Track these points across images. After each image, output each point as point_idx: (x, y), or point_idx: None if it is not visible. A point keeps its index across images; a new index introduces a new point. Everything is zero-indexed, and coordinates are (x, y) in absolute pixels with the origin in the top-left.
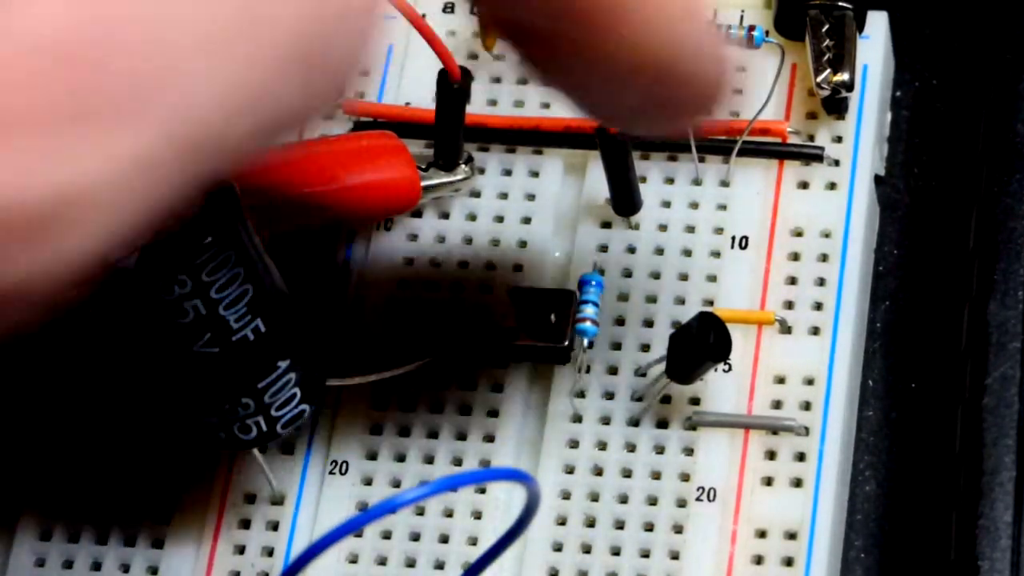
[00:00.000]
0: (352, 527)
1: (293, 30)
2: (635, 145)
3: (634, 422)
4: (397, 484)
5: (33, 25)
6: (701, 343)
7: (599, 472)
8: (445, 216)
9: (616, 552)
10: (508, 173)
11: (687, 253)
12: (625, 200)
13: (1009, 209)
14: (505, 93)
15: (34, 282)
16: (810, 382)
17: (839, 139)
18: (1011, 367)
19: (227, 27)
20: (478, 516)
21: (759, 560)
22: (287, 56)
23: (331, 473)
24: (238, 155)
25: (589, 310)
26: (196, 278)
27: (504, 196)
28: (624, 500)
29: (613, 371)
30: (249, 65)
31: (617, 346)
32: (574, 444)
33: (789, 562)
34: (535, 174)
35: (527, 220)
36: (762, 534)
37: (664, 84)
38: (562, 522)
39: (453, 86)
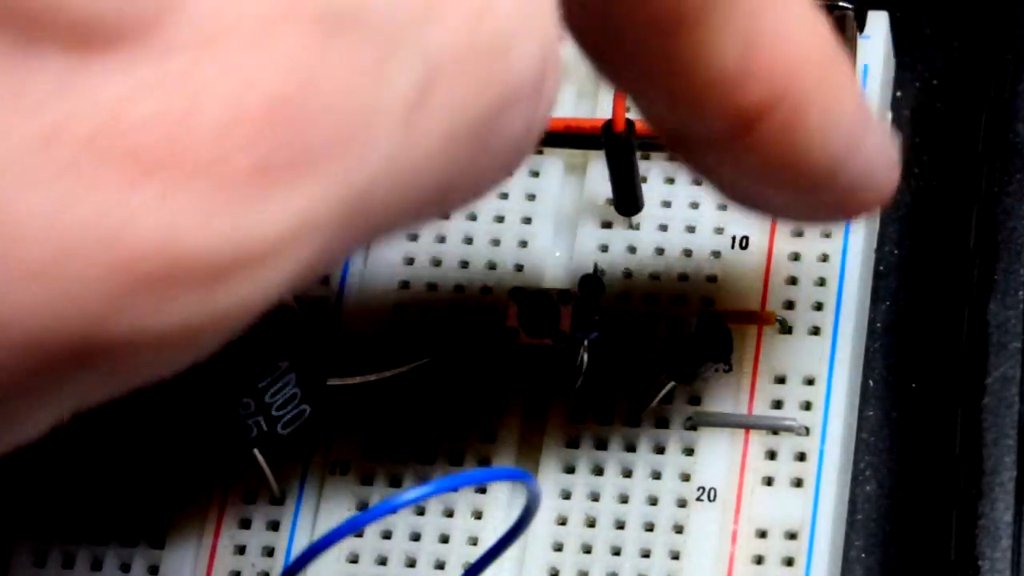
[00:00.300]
0: (352, 527)
1: (461, 107)
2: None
3: (634, 422)
4: (397, 484)
5: (228, 82)
6: (701, 343)
7: (599, 472)
8: (445, 216)
9: (616, 552)
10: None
11: (687, 253)
12: (628, 200)
13: (1009, 209)
14: None
15: (196, 329)
16: (810, 382)
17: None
18: (1011, 367)
19: (402, 94)
20: (478, 516)
21: (759, 560)
22: (458, 134)
23: (331, 473)
24: (398, 227)
25: (590, 310)
26: None
27: (504, 196)
28: (624, 500)
29: (613, 371)
30: (416, 137)
31: (617, 346)
32: (574, 444)
33: (790, 562)
34: (535, 174)
35: (527, 220)
36: (762, 534)
37: (827, 192)
38: (562, 522)
39: None
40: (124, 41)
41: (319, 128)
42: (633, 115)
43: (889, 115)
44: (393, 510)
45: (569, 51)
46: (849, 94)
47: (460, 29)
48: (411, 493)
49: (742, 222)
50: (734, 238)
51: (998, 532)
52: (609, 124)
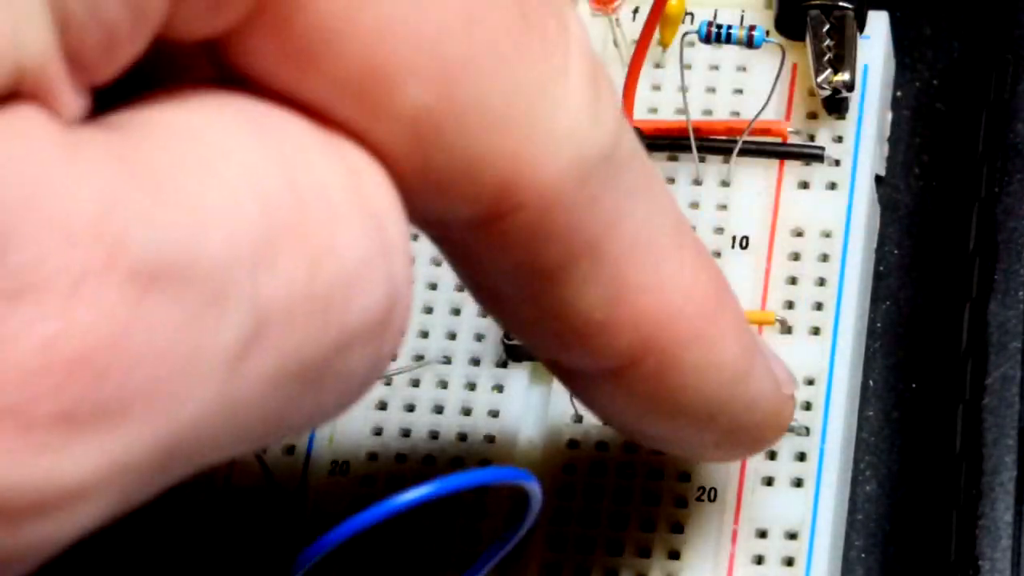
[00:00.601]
0: (353, 528)
1: (292, 353)
2: None
3: None
4: (398, 485)
5: (37, 331)
6: None
7: (600, 472)
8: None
9: (617, 552)
10: None
11: None
12: None
13: (1009, 209)
14: None
15: (3, 558)
16: (810, 382)
17: (840, 139)
18: (1011, 367)
19: (225, 344)
20: (479, 516)
21: (759, 560)
22: (288, 377)
23: (332, 473)
24: (229, 454)
25: None
26: None
27: None
28: (625, 500)
29: None
30: (241, 382)
31: None
32: (575, 444)
33: (790, 562)
34: None
35: None
36: (762, 534)
37: (708, 431)
38: (563, 522)
39: None
40: None
41: (130, 378)
42: (637, 117)
43: (889, 115)
44: (395, 510)
45: None
46: (730, 341)
47: (295, 277)
48: (411, 493)
49: (742, 222)
50: (734, 238)
51: (998, 532)
52: None
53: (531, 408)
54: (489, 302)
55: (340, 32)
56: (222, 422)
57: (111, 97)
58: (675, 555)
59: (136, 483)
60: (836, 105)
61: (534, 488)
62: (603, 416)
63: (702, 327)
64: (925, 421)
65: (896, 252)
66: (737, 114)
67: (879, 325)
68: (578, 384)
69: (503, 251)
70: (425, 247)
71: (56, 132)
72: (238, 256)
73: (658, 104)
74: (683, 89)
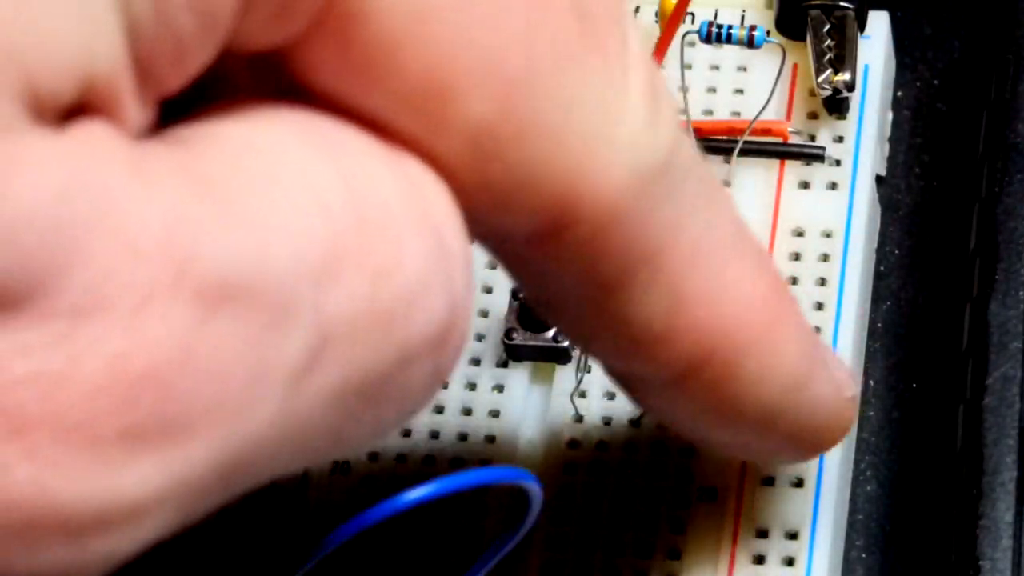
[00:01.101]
0: (354, 528)
1: (354, 369)
2: None
3: (635, 422)
4: (399, 485)
5: (104, 349)
6: None
7: (600, 472)
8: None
9: (617, 552)
10: None
11: None
12: None
13: (1010, 209)
14: None
15: (65, 573)
16: None
17: (840, 139)
18: (1012, 367)
19: (289, 362)
20: (479, 515)
21: (760, 560)
22: (350, 392)
23: (333, 474)
24: (290, 469)
25: None
26: None
27: None
28: (625, 500)
29: None
30: (304, 399)
31: None
32: (575, 444)
33: (790, 562)
34: None
35: None
36: (763, 534)
37: (770, 436)
38: (563, 522)
39: None
40: (7, 303)
41: (195, 396)
42: None
43: (890, 115)
44: (395, 511)
45: None
46: (791, 347)
47: (358, 293)
48: (412, 493)
49: None
50: None
51: (999, 532)
52: None
53: (531, 408)
54: (550, 312)
55: (402, 45)
56: (283, 438)
57: (171, 110)
58: (675, 555)
59: (197, 498)
60: (837, 105)
61: (534, 488)
62: (664, 421)
63: (762, 334)
64: (925, 421)
65: (897, 252)
66: (738, 114)
67: (879, 325)
68: (639, 391)
69: (562, 263)
70: None
71: (123, 147)
72: (303, 272)
73: None
74: (683, 89)
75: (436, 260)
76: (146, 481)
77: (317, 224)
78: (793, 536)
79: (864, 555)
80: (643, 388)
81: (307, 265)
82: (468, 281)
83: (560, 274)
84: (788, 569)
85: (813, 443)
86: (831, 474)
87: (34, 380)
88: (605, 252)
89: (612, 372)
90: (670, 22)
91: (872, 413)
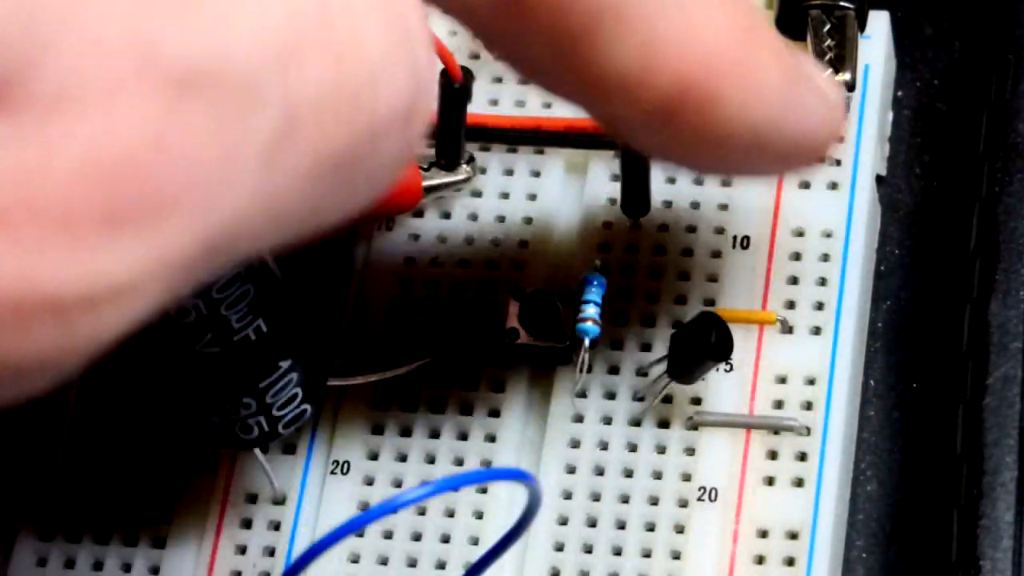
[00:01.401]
0: (354, 527)
1: (325, 146)
2: None
3: (635, 422)
4: (399, 484)
5: (79, 137)
6: (702, 343)
7: (600, 472)
8: (447, 216)
9: (618, 552)
10: (510, 173)
11: (688, 253)
12: (637, 203)
13: (1010, 209)
14: (506, 93)
15: (52, 359)
16: (811, 382)
17: (840, 139)
18: (1012, 367)
19: (260, 141)
20: (479, 516)
21: (761, 560)
22: (323, 167)
23: (332, 473)
24: (271, 244)
25: (591, 310)
26: None
27: (506, 196)
28: (625, 500)
29: (614, 371)
30: (278, 176)
31: (618, 346)
32: (575, 444)
33: (791, 562)
34: (536, 174)
35: (528, 220)
36: (764, 534)
37: (766, 155)
38: (563, 522)
39: (454, 86)
40: None
41: (170, 178)
42: None
43: (890, 115)
44: (395, 509)
45: None
46: (769, 64)
47: (323, 74)
48: (413, 492)
49: (743, 222)
50: (735, 237)
51: (999, 532)
52: None
53: (532, 408)
54: (531, 76)
55: None
56: (260, 215)
57: None
58: (676, 555)
59: (183, 276)
60: None
61: (534, 488)
62: (657, 157)
63: (738, 56)
64: (927, 421)
65: (897, 252)
66: None
67: (880, 325)
68: (627, 132)
69: (528, 23)
70: (426, 247)
71: None
72: (267, 57)
73: None
74: None
75: (398, 40)
76: (130, 261)
77: (279, 12)
78: (794, 536)
79: (865, 555)
80: (628, 129)
81: (270, 51)
82: (431, 57)
83: (528, 35)
84: (789, 569)
85: (805, 155)
86: (832, 474)
87: (11, 171)
88: (567, 4)
89: (597, 119)
90: None
91: (872, 413)
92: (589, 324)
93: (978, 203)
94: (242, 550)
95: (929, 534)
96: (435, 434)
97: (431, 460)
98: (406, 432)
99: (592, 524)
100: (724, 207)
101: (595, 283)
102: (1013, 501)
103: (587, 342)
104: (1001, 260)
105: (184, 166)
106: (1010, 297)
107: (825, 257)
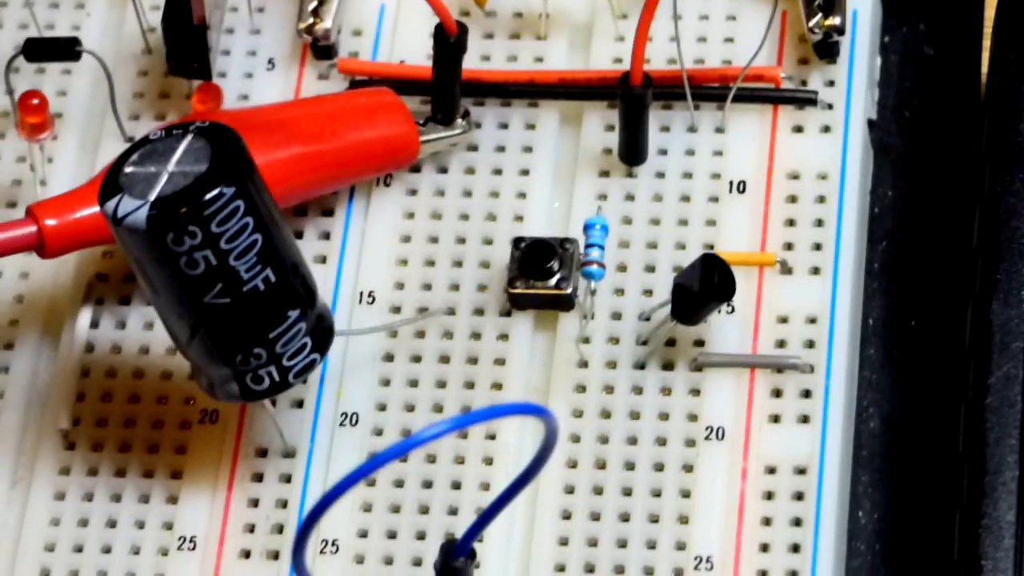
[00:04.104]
0: (374, 466)
1: None
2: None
3: (640, 365)
4: (408, 434)
5: None
6: (706, 283)
7: (607, 415)
8: (443, 171)
9: (628, 493)
10: (505, 127)
11: (686, 199)
12: (634, 151)
13: (1012, 208)
14: (499, 48)
15: None
16: (813, 321)
17: (831, 83)
18: (1014, 367)
19: None
20: (489, 462)
21: (770, 496)
22: None
23: (341, 425)
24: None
25: (595, 253)
26: (206, 229)
27: (502, 149)
28: (633, 442)
29: (617, 317)
30: None
31: (620, 292)
32: (581, 389)
33: (800, 496)
34: (532, 127)
35: (525, 172)
36: (772, 470)
37: None
38: (573, 465)
39: (450, 40)
40: None
41: None
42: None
43: (878, 60)
44: (417, 445)
45: (562, 2)
46: None
47: None
48: (432, 429)
49: (739, 167)
50: (731, 183)
51: (1001, 531)
52: (626, 77)
53: (536, 355)
54: None
55: None
56: None
57: None
58: (686, 494)
59: None
60: (827, 49)
61: (550, 420)
62: None
63: None
64: (924, 357)
65: (890, 194)
66: (729, 62)
67: (876, 265)
68: None
69: None
70: (425, 201)
71: None
72: None
73: (651, 54)
74: (676, 38)
75: None
76: None
77: None
78: (802, 471)
79: (870, 490)
80: None
81: None
82: None
83: None
84: (798, 504)
85: None
86: (836, 409)
87: None
88: None
89: None
90: None
91: (872, 351)
92: (594, 267)
93: (980, 203)
94: (255, 503)
95: (931, 534)
96: (442, 384)
97: (439, 409)
98: (413, 383)
99: (601, 466)
100: (719, 153)
101: (599, 227)
102: (1015, 501)
103: (593, 285)
104: (1003, 260)
105: None
106: (1011, 297)
107: (821, 199)
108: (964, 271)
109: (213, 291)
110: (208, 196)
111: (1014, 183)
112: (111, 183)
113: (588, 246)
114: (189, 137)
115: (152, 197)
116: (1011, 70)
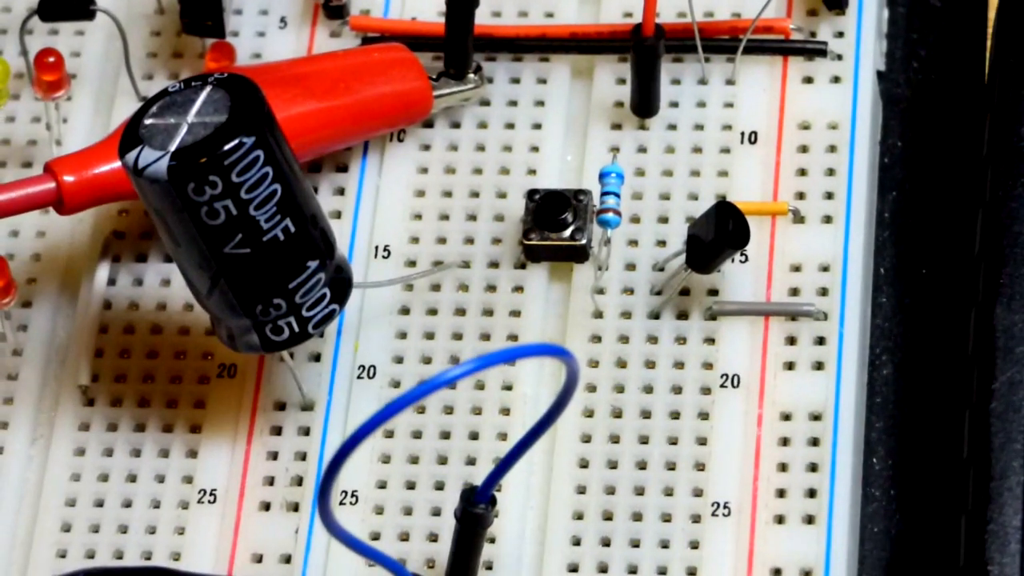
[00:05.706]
0: (398, 407)
1: None
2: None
3: (655, 315)
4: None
5: None
6: (720, 231)
7: (623, 364)
8: (456, 125)
9: (644, 441)
10: (516, 81)
11: (698, 150)
12: (647, 103)
13: (1015, 213)
14: (510, 3)
15: None
16: (826, 269)
17: (840, 34)
18: (1018, 371)
19: None
20: (506, 412)
21: (786, 442)
22: None
23: (359, 378)
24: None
25: (611, 201)
26: (226, 179)
27: (514, 103)
28: (649, 390)
29: (631, 267)
30: None
31: (634, 243)
32: (596, 339)
33: (815, 442)
34: (543, 81)
35: (538, 126)
36: (787, 417)
37: None
38: (590, 414)
39: None
40: None
41: None
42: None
43: (885, 12)
44: (440, 386)
45: None
46: None
47: None
48: (455, 370)
49: (750, 118)
50: (743, 134)
51: (1007, 537)
52: (638, 29)
53: (551, 306)
54: None
55: None
56: None
57: None
58: (703, 441)
59: None
60: (836, 1)
61: (571, 362)
62: None
63: None
64: (935, 304)
65: (899, 144)
66: (739, 14)
67: (887, 215)
68: None
69: None
70: (439, 156)
71: None
72: None
73: (661, 7)
74: None
75: None
76: None
77: None
78: (817, 417)
79: (884, 436)
80: None
81: None
82: None
83: None
84: (813, 449)
85: None
86: (851, 356)
87: None
88: None
89: None
90: None
91: (885, 299)
92: (610, 215)
93: (982, 208)
94: (274, 456)
95: (937, 540)
96: (458, 336)
97: (455, 361)
98: (429, 335)
99: (618, 415)
100: (730, 105)
101: (614, 175)
102: (1020, 506)
103: (608, 234)
104: (1006, 264)
105: None
106: (1015, 302)
107: (832, 148)
108: (967, 280)
109: (233, 241)
110: (228, 146)
111: (1016, 188)
112: (131, 135)
113: (604, 194)
114: (208, 88)
115: (172, 148)
116: (1012, 75)
